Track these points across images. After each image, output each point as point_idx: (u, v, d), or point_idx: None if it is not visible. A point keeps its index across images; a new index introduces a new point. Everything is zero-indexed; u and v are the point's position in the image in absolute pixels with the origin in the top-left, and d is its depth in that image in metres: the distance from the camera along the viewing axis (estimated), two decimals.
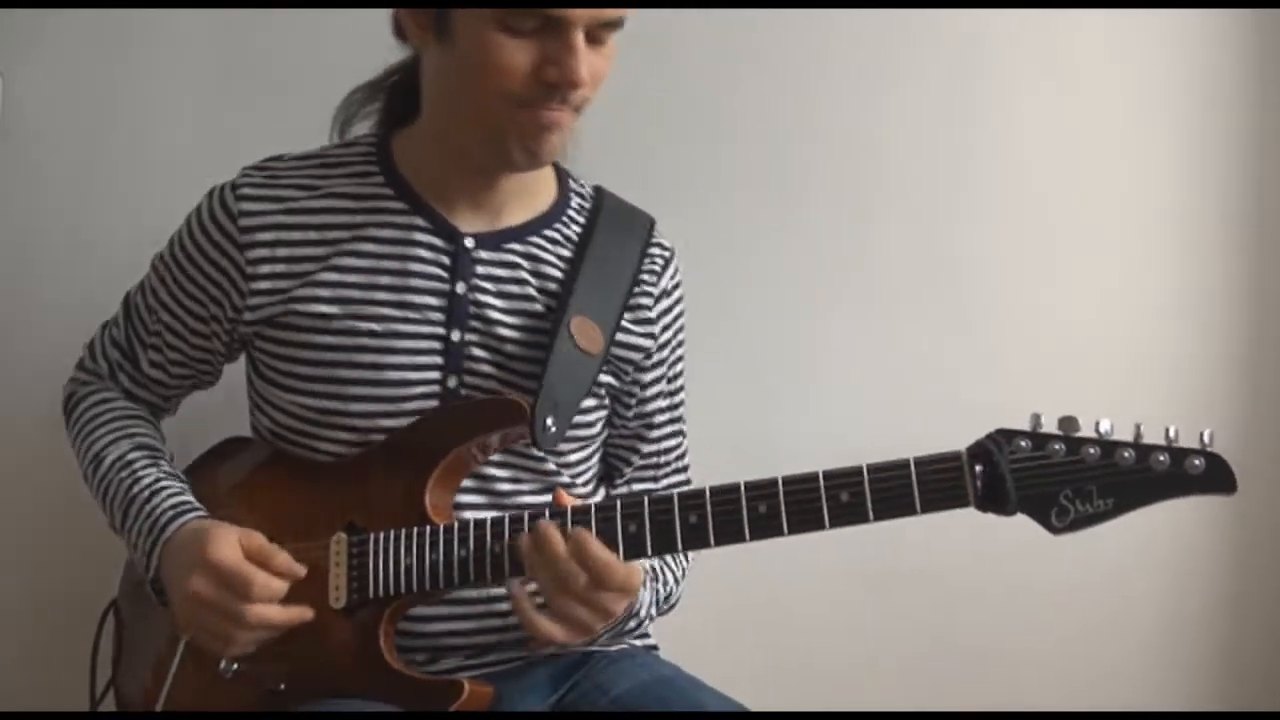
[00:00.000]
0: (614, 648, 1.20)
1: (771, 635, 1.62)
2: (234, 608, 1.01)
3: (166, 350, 1.20)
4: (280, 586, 1.03)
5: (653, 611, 1.17)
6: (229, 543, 1.03)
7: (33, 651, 1.56)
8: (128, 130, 1.56)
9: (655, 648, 1.26)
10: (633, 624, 1.14)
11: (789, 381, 1.62)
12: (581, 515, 1.01)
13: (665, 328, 1.24)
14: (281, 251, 1.12)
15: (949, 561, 1.62)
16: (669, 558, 1.19)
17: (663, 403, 1.27)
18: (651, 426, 1.26)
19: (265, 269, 1.12)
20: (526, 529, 1.02)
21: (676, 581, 1.21)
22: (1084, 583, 1.63)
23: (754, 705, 1.12)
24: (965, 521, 1.56)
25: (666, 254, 1.25)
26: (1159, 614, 1.65)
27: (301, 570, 1.05)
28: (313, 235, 1.13)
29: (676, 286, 1.26)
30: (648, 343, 1.22)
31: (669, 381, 1.27)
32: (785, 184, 1.61)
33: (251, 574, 1.02)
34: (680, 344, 1.28)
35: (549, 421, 1.09)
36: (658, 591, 1.16)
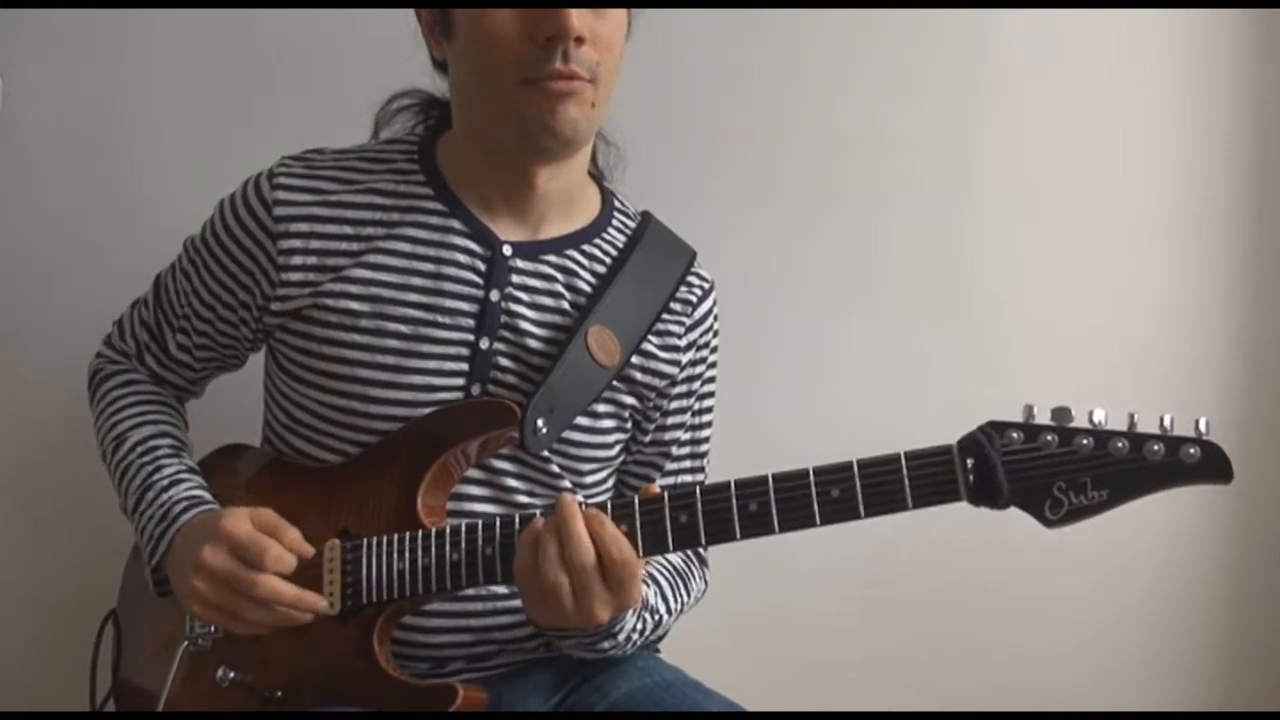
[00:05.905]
0: None
1: (773, 639, 1.61)
2: (246, 577, 1.00)
3: (194, 335, 1.20)
4: (291, 560, 1.03)
5: (634, 637, 1.10)
6: (242, 516, 1.03)
7: (35, 654, 1.57)
8: (127, 130, 1.57)
9: (657, 650, 1.25)
10: (606, 644, 1.08)
11: (794, 383, 1.62)
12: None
13: (694, 361, 1.22)
14: (315, 244, 1.11)
15: (949, 565, 1.62)
16: (667, 591, 1.16)
17: (683, 435, 1.24)
18: (668, 457, 1.24)
19: (297, 260, 1.11)
20: (517, 533, 1.01)
21: (669, 613, 1.16)
22: (1084, 583, 1.62)
23: (756, 709, 1.10)
24: (965, 524, 1.55)
25: (705, 285, 1.24)
26: (1159, 613, 1.64)
27: (310, 550, 1.04)
28: (348, 230, 1.11)
29: (711, 318, 1.24)
30: (671, 369, 1.20)
31: (694, 415, 1.25)
32: (790, 185, 1.61)
33: (266, 544, 1.02)
34: (710, 379, 1.26)
35: (539, 423, 1.09)
36: (645, 620, 1.11)
